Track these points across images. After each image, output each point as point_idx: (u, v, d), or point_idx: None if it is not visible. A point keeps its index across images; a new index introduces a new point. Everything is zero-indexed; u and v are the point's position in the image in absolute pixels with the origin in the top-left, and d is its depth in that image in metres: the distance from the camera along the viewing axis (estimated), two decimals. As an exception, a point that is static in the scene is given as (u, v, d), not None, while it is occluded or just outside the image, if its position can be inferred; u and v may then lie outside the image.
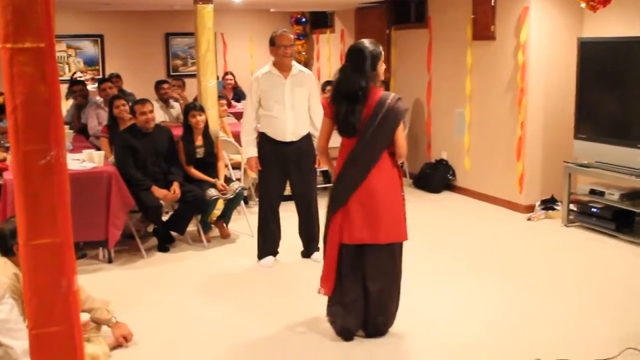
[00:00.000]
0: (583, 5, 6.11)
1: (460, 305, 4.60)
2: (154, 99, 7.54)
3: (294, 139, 5.26)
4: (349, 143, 3.93)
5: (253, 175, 5.67)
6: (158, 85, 8.20)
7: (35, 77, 1.79)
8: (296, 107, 5.23)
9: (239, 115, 8.19)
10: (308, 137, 5.31)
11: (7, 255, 3.42)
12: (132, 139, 5.79)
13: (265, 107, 5.25)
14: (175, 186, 5.76)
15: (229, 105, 8.63)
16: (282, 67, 5.23)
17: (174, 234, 6.06)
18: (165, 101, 8.10)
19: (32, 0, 1.75)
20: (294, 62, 5.31)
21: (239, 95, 9.96)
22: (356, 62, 3.87)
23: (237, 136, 6.48)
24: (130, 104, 6.35)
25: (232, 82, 10.16)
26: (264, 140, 5.32)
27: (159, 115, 7.32)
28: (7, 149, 6.32)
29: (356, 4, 9.50)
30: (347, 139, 3.93)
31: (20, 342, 3.14)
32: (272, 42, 5.23)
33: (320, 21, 11.46)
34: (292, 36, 5.39)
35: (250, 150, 5.35)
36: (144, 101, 5.92)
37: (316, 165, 5.41)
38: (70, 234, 1.92)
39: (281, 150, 5.26)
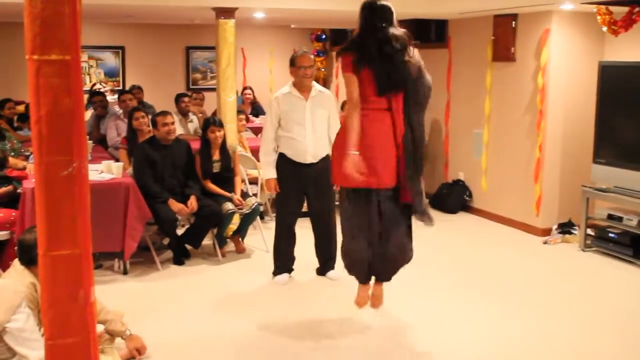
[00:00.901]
0: (605, 28, 6.11)
1: (474, 328, 4.56)
2: (173, 111, 7.58)
3: (313, 161, 5.23)
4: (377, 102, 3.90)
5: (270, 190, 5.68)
6: (179, 98, 8.25)
7: (61, 89, 1.80)
8: (316, 128, 5.21)
9: (257, 130, 8.22)
10: (327, 157, 5.27)
11: (29, 264, 3.37)
12: (151, 150, 5.83)
13: (285, 129, 5.22)
14: (192, 199, 5.78)
15: (247, 120, 8.66)
16: (302, 87, 5.21)
17: (189, 247, 6.07)
18: (184, 114, 8.15)
19: (59, 14, 1.77)
20: (313, 83, 5.29)
21: (257, 111, 9.99)
22: (391, 20, 3.92)
23: (255, 151, 6.49)
24: (149, 116, 6.38)
25: (251, 97, 10.19)
26: (283, 161, 5.27)
27: (178, 129, 7.36)
28: (26, 158, 6.37)
29: (376, 23, 9.50)
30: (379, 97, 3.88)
31: (35, 352, 3.14)
32: (292, 63, 5.21)
33: (340, 38, 11.46)
34: (312, 57, 5.39)
35: (269, 171, 5.32)
36: (165, 113, 5.96)
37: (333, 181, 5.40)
38: (90, 246, 1.92)
39: (300, 171, 5.24)
